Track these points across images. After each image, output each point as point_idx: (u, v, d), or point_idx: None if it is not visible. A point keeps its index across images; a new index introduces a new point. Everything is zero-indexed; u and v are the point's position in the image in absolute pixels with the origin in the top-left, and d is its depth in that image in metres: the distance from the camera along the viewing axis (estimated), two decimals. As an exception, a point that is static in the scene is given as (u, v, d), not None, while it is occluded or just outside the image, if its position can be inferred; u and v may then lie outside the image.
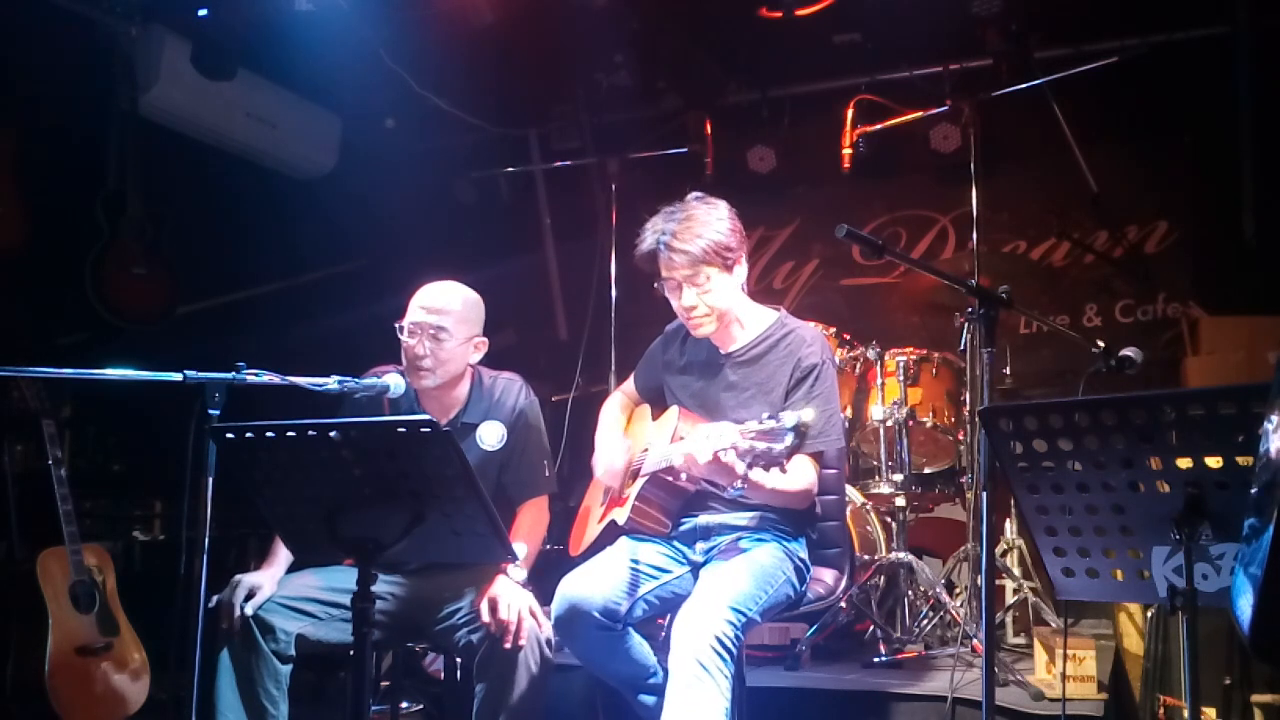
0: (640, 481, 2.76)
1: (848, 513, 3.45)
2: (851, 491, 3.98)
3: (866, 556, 3.91)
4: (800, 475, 2.62)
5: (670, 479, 2.71)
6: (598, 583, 2.60)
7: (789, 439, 2.23)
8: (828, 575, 2.92)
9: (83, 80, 4.66)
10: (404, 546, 2.12)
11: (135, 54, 4.68)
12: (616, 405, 3.12)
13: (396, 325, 2.88)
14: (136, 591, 3.63)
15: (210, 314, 5.18)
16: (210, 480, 2.22)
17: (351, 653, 2.18)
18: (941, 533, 4.64)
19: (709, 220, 2.71)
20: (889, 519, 4.09)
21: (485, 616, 2.60)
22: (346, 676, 3.44)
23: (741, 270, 2.78)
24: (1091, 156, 5.17)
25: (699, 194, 2.81)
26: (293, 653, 2.65)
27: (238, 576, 2.68)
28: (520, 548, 2.78)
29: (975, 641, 3.52)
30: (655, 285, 2.79)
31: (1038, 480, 1.89)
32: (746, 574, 2.56)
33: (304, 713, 2.79)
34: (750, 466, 2.33)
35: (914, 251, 5.60)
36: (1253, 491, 1.52)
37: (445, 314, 2.86)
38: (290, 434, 2.06)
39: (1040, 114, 5.06)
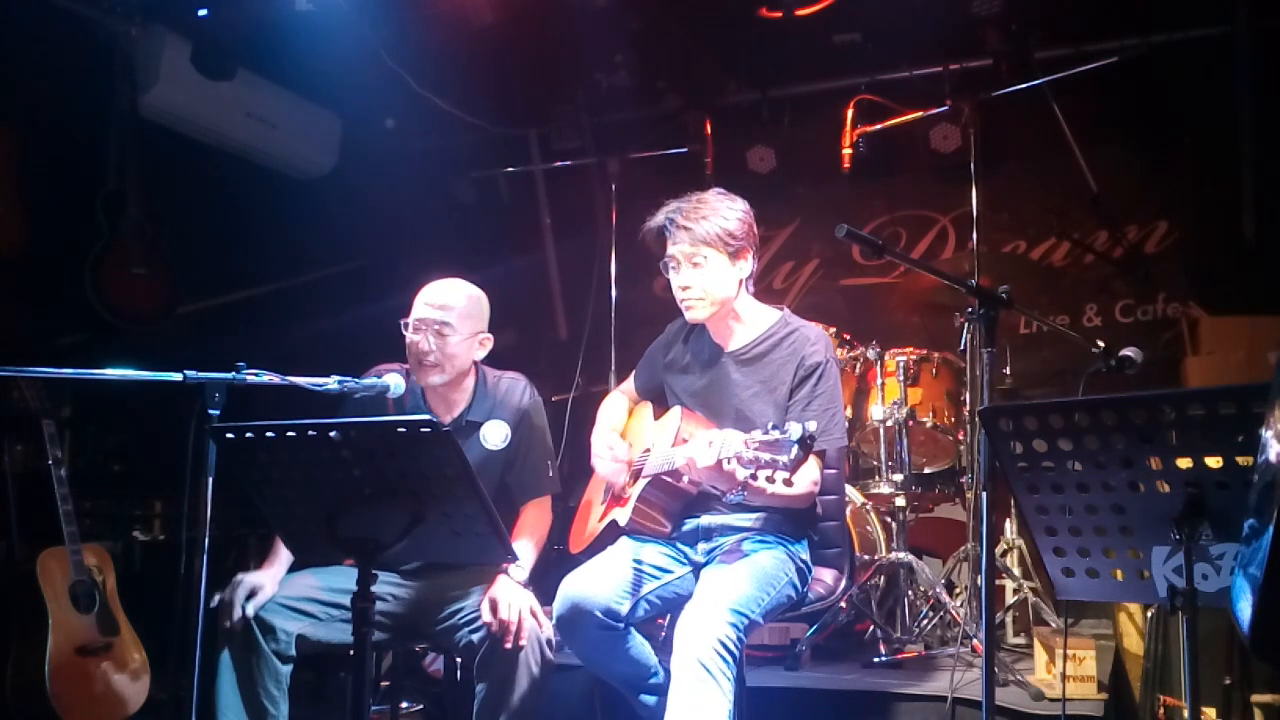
0: (642, 483, 2.76)
1: (848, 513, 3.45)
2: (851, 491, 3.98)
3: (866, 556, 3.91)
4: (803, 477, 2.62)
5: (672, 481, 2.71)
6: (600, 582, 2.60)
7: (794, 451, 2.23)
8: (828, 575, 2.92)
9: (83, 80, 4.65)
10: (404, 546, 2.11)
11: (135, 54, 4.68)
12: (616, 404, 3.12)
13: (401, 322, 2.89)
14: (136, 591, 3.63)
15: (210, 314, 5.18)
16: (210, 480, 2.22)
17: (351, 653, 2.18)
18: (941, 533, 4.64)
19: (719, 207, 2.74)
20: (889, 519, 4.09)
21: (486, 616, 2.60)
22: (346, 676, 3.44)
23: (746, 265, 2.78)
24: (1091, 156, 5.17)
25: (721, 190, 2.83)
26: (293, 653, 2.65)
27: (239, 576, 2.68)
28: (522, 548, 2.78)
29: (975, 641, 3.52)
30: (660, 265, 2.80)
31: (1038, 480, 1.89)
32: (748, 576, 2.56)
33: (304, 713, 2.79)
34: (754, 475, 2.33)
35: (914, 251, 5.60)
36: (1252, 493, 1.52)
37: (450, 310, 2.87)
38: (290, 434, 2.06)
39: (1040, 114, 5.06)
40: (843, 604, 3.60)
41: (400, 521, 2.10)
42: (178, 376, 2.25)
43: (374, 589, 2.15)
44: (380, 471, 2.07)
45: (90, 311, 4.50)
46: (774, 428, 2.29)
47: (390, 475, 2.07)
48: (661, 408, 2.98)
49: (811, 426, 2.24)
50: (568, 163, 5.83)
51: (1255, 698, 2.73)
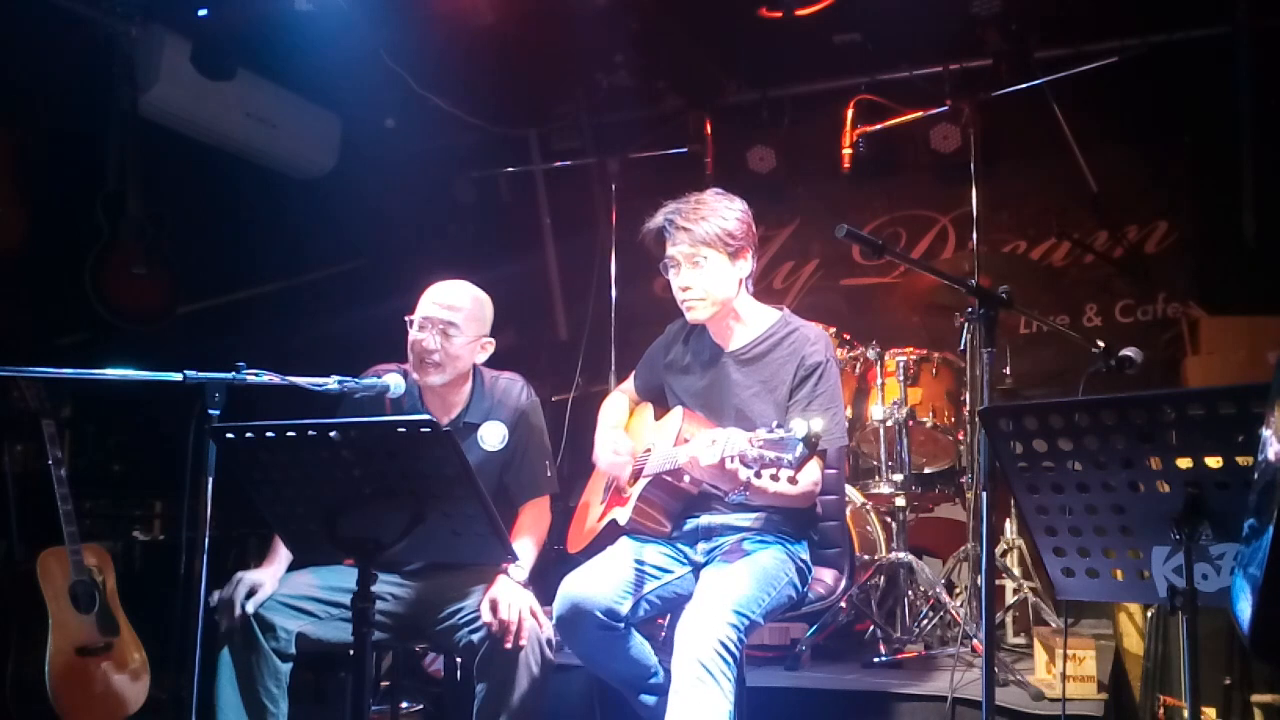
0: (642, 482, 2.76)
1: (848, 513, 3.45)
2: (851, 491, 3.98)
3: (866, 556, 3.91)
4: (805, 477, 2.61)
5: (673, 480, 2.71)
6: (600, 582, 2.60)
7: (799, 449, 2.23)
8: (828, 575, 2.92)
9: (83, 80, 4.66)
10: (404, 546, 2.11)
11: (135, 54, 4.68)
12: (617, 404, 3.12)
13: (406, 318, 2.89)
14: (136, 591, 3.63)
15: (210, 314, 5.19)
16: (210, 480, 2.22)
17: (351, 652, 2.18)
18: (941, 533, 4.64)
19: (718, 207, 2.75)
20: (889, 519, 4.09)
21: (486, 616, 2.60)
22: (346, 676, 3.44)
23: (746, 265, 2.78)
24: (1091, 156, 5.17)
25: (719, 190, 2.84)
26: (293, 651, 2.65)
27: (239, 574, 2.68)
28: (521, 548, 2.78)
29: (975, 641, 3.52)
30: (660, 266, 2.81)
31: (1038, 480, 1.89)
32: (749, 576, 2.56)
33: (304, 712, 2.79)
34: (757, 474, 2.33)
35: (914, 251, 5.60)
36: (1252, 493, 1.52)
37: (457, 311, 2.87)
38: (290, 434, 2.06)
39: (1040, 114, 5.07)
40: (843, 604, 3.60)
41: (400, 521, 2.10)
42: (178, 376, 2.25)
43: (374, 589, 2.15)
44: (380, 471, 2.07)
45: (90, 311, 4.50)
46: (778, 426, 2.29)
47: (390, 475, 2.07)
48: (662, 408, 2.98)
49: (817, 425, 2.24)
50: (568, 163, 5.83)
51: (1255, 698, 2.73)
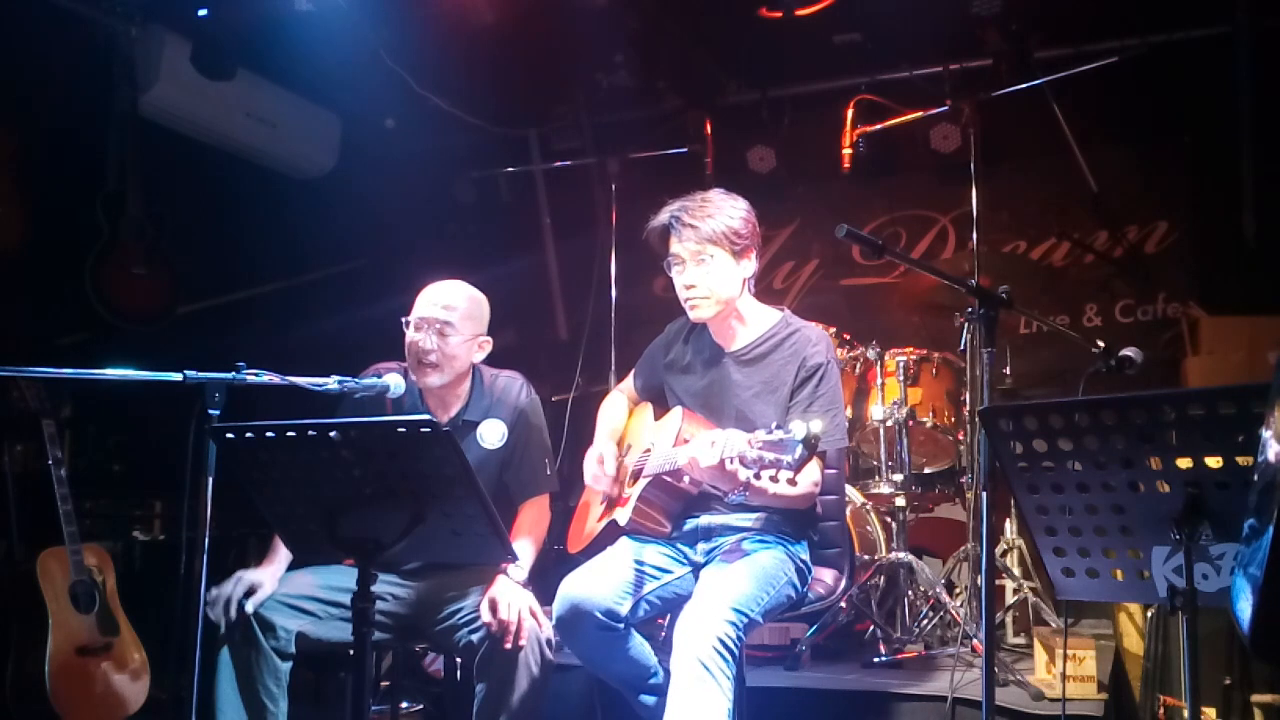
0: (642, 483, 2.76)
1: (848, 513, 3.45)
2: (851, 491, 3.98)
3: (866, 556, 3.91)
4: (804, 478, 2.61)
5: (673, 481, 2.71)
6: (600, 582, 2.60)
7: (798, 451, 2.23)
8: (827, 575, 2.92)
9: (83, 80, 4.66)
10: (404, 546, 2.11)
11: (135, 54, 4.68)
12: (616, 404, 3.12)
13: (403, 319, 2.89)
14: (136, 591, 3.63)
15: (210, 314, 5.18)
16: (210, 480, 2.22)
17: (351, 652, 2.18)
18: (941, 533, 4.64)
19: (724, 205, 2.76)
20: (889, 519, 4.09)
21: (486, 616, 2.60)
22: (346, 676, 3.44)
23: (750, 264, 2.79)
24: (1091, 156, 5.17)
25: (723, 189, 2.84)
26: (293, 650, 2.65)
27: (239, 572, 2.68)
28: (521, 547, 2.78)
29: (975, 641, 3.52)
30: (663, 264, 2.81)
31: (1038, 480, 1.89)
32: (748, 575, 2.56)
33: (304, 712, 2.79)
34: (757, 475, 2.33)
35: (914, 251, 5.60)
36: (1252, 493, 1.52)
37: (453, 310, 2.88)
38: (290, 434, 2.06)
39: (1040, 114, 5.06)
40: (843, 604, 3.60)
41: (400, 521, 2.10)
42: (178, 376, 2.25)
43: (374, 589, 2.15)
44: (380, 471, 2.07)
45: (90, 311, 4.50)
46: (778, 427, 2.29)
47: (390, 475, 2.07)
48: (662, 408, 2.98)
49: (816, 426, 2.24)
50: (568, 163, 5.83)
51: (1255, 698, 2.73)
